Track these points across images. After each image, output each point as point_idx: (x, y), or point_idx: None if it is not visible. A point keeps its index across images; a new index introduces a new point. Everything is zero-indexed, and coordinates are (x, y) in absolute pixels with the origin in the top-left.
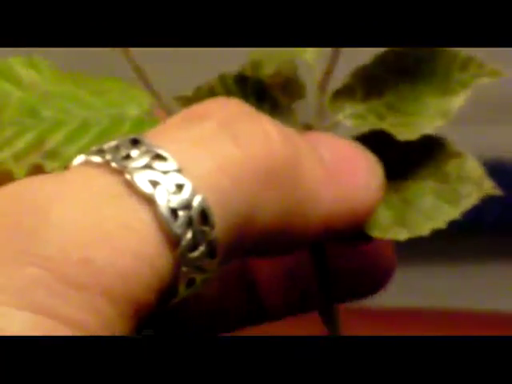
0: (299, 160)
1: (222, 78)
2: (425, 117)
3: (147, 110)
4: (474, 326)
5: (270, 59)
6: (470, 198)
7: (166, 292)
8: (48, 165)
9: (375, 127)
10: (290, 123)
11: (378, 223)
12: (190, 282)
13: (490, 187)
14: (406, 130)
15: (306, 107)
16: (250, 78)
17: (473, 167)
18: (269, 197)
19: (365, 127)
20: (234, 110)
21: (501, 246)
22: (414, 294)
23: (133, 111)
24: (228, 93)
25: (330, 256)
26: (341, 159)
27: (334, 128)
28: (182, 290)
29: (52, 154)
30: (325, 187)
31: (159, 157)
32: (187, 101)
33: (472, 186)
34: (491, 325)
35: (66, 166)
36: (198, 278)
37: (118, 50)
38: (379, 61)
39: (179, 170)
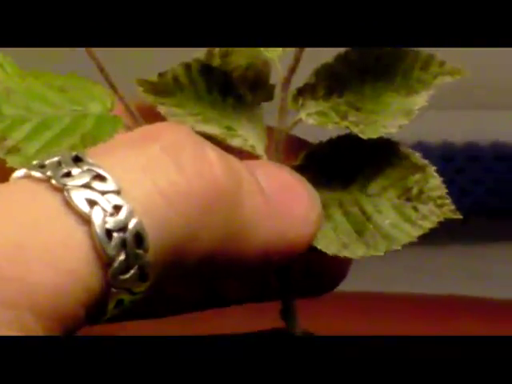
0: (240, 191)
1: (187, 67)
2: (387, 116)
3: (109, 107)
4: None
5: (239, 50)
6: (428, 219)
7: (95, 310)
8: (10, 161)
9: (337, 125)
10: (254, 121)
11: (336, 238)
12: (119, 303)
13: (449, 210)
14: (369, 129)
15: (269, 105)
16: (215, 70)
17: (435, 185)
18: (207, 225)
19: (326, 125)
20: (180, 136)
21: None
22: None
23: (95, 109)
24: (192, 82)
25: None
26: (281, 190)
27: (296, 127)
28: (111, 309)
29: (14, 151)
30: (263, 219)
31: (99, 177)
32: (151, 85)
33: (432, 207)
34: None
35: (27, 163)
36: (127, 298)
37: (80, 49)
38: (341, 59)
39: (118, 192)
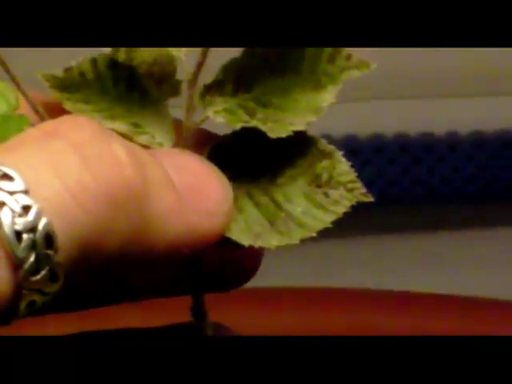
0: (149, 187)
1: (94, 61)
2: (295, 113)
3: (14, 106)
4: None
5: None
6: (340, 204)
7: (6, 311)
8: None
9: (245, 125)
10: (161, 117)
11: (248, 229)
12: (31, 303)
13: (360, 193)
14: (277, 127)
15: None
16: (122, 64)
17: (344, 170)
18: (116, 221)
19: (235, 124)
20: (86, 130)
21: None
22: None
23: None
24: (98, 77)
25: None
26: (191, 183)
27: (203, 124)
28: (22, 310)
29: None
30: (173, 214)
31: (7, 176)
32: (57, 81)
33: (343, 192)
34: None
35: None
36: (39, 299)
37: None
38: (249, 54)
39: (26, 192)
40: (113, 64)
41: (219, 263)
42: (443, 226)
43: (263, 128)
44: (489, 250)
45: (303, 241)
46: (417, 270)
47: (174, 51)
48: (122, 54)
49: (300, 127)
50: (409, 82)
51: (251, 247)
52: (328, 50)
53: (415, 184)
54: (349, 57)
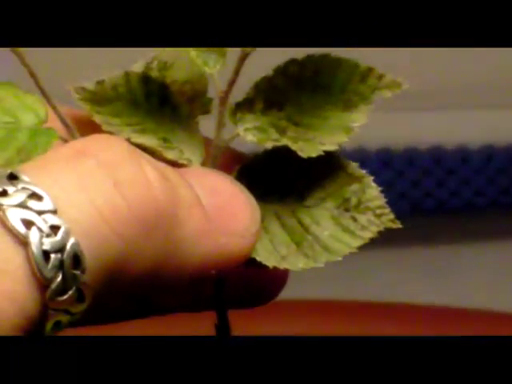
0: (179, 209)
1: (127, 76)
2: (326, 132)
3: (43, 119)
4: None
5: (177, 62)
6: (368, 229)
7: (32, 330)
8: None
9: (276, 143)
10: (191, 134)
11: (274, 250)
12: (56, 324)
13: (389, 219)
14: (307, 146)
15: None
16: (154, 80)
17: (374, 195)
18: (145, 245)
19: (265, 143)
20: (117, 150)
21: None
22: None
23: (29, 120)
24: (131, 92)
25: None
26: (220, 203)
27: (233, 141)
28: (48, 329)
29: None
30: (202, 236)
31: (36, 195)
32: (88, 94)
33: (371, 217)
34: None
35: None
36: (65, 319)
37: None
38: (280, 72)
39: (55, 212)
40: (145, 79)
41: (245, 282)
42: (453, 238)
43: (293, 147)
44: (499, 262)
45: None
46: (427, 281)
47: (207, 68)
48: (154, 71)
49: (331, 147)
50: (419, 94)
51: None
52: (361, 70)
53: (425, 197)
54: (381, 76)
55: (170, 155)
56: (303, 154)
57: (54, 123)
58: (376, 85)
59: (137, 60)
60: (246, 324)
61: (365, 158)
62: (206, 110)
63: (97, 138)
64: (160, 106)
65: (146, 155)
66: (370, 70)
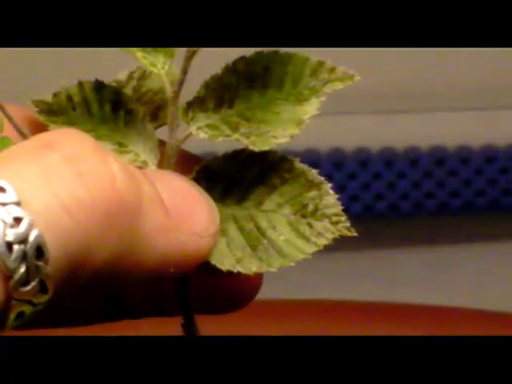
0: (141, 204)
1: (80, 85)
2: (277, 125)
3: None
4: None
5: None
6: (323, 236)
7: None
8: None
9: (227, 138)
10: (146, 137)
11: (230, 253)
12: (19, 315)
13: (345, 227)
14: (260, 140)
15: None
16: (107, 86)
17: (331, 203)
18: (107, 237)
19: (217, 138)
20: (81, 144)
21: None
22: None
23: None
24: (85, 100)
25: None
26: (181, 202)
27: (187, 140)
28: (11, 320)
29: None
30: (163, 232)
31: None
32: (46, 106)
33: (327, 224)
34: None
35: None
36: (28, 310)
37: None
38: (230, 70)
39: (18, 203)
40: (98, 87)
41: (215, 287)
42: (454, 239)
43: (246, 141)
44: (500, 263)
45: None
46: (427, 282)
47: (155, 69)
48: (134, 81)
49: (283, 140)
50: (420, 95)
51: (249, 275)
52: (311, 64)
53: (426, 197)
54: (332, 69)
55: (126, 158)
56: (255, 148)
57: (10, 132)
58: (327, 78)
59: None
60: (246, 324)
61: (366, 159)
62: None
63: (62, 132)
64: (114, 112)
65: (109, 150)
66: (320, 63)
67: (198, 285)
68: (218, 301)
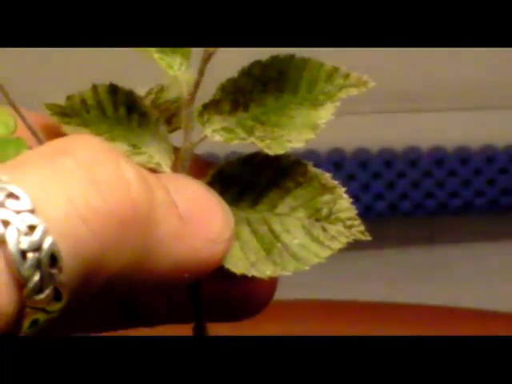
0: (155, 211)
1: (94, 88)
2: (292, 129)
3: (12, 129)
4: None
5: (173, 84)
6: (337, 240)
7: (8, 330)
8: None
9: (243, 142)
10: (160, 139)
11: (244, 257)
12: (33, 322)
13: (359, 231)
14: (274, 144)
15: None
16: (121, 90)
17: (345, 207)
18: (121, 244)
19: (232, 142)
20: (95, 149)
21: None
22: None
23: None
24: (99, 103)
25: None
26: (194, 209)
27: (202, 143)
28: (25, 328)
29: None
30: (177, 239)
31: (13, 195)
32: (59, 109)
33: (341, 228)
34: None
35: None
36: (42, 318)
37: None
38: (245, 73)
39: (32, 211)
40: (113, 89)
41: (226, 294)
42: (454, 239)
43: (261, 145)
44: (500, 262)
45: None
46: (427, 282)
47: (171, 71)
48: (153, 94)
49: (298, 144)
50: (419, 95)
51: (262, 281)
52: (326, 69)
53: (426, 197)
54: (347, 75)
55: (139, 160)
56: (270, 152)
57: (24, 133)
58: (342, 83)
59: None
60: (246, 324)
61: (366, 159)
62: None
63: (75, 138)
64: (128, 114)
65: (123, 155)
66: (335, 69)
67: (212, 292)
68: (232, 308)
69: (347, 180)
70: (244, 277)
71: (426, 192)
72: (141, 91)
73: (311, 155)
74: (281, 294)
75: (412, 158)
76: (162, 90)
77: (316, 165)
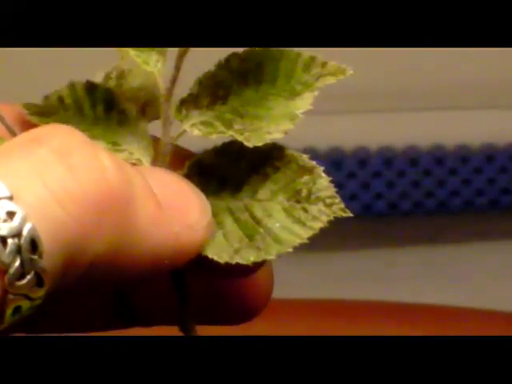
0: (132, 195)
1: (72, 87)
2: (271, 121)
3: None
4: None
5: (134, 70)
6: (319, 220)
7: None
8: None
9: (222, 135)
10: (139, 135)
11: (228, 245)
12: (16, 310)
13: (339, 208)
14: (254, 136)
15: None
16: (99, 87)
17: (324, 186)
18: (100, 227)
19: (211, 136)
20: (70, 138)
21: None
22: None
23: None
24: (77, 101)
25: (196, 282)
26: (172, 196)
27: (181, 138)
28: (8, 316)
29: None
30: (155, 224)
31: None
32: (37, 109)
33: (322, 207)
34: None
35: None
36: (25, 305)
37: None
38: (223, 66)
39: (10, 197)
40: (90, 88)
41: (222, 297)
42: (454, 238)
43: (240, 138)
44: (500, 262)
45: (310, 252)
46: (427, 281)
47: (148, 67)
48: (113, 80)
49: (277, 135)
50: (419, 94)
51: (258, 283)
52: (303, 59)
53: (426, 196)
54: (324, 64)
55: (120, 157)
56: (249, 144)
57: (2, 132)
58: (320, 72)
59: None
60: (246, 324)
61: (366, 158)
62: (157, 116)
63: (51, 127)
64: (106, 112)
65: (99, 144)
66: (312, 58)
67: (208, 295)
68: (228, 311)
69: (347, 179)
70: (240, 279)
71: (426, 191)
72: (98, 77)
73: (310, 153)
74: (281, 294)
75: (412, 157)
76: (122, 75)
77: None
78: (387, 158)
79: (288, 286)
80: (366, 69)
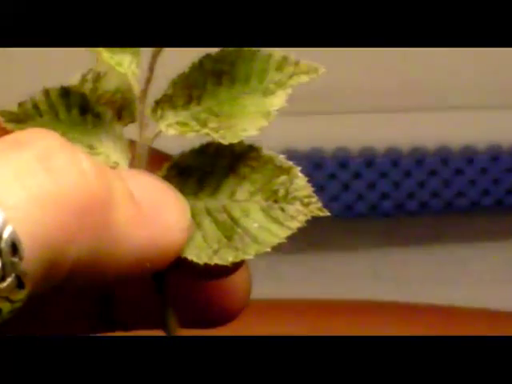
0: (112, 198)
1: (46, 93)
2: (245, 118)
3: None
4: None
5: (110, 72)
6: (296, 219)
7: None
8: None
9: (197, 134)
10: (115, 138)
11: (207, 246)
12: None
13: (316, 208)
14: (229, 134)
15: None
16: (73, 91)
17: (301, 185)
18: (81, 233)
19: (187, 134)
20: (51, 142)
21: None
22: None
23: None
24: (52, 107)
25: (176, 285)
26: (151, 198)
27: (157, 138)
28: None
29: None
30: (135, 226)
31: None
32: (12, 116)
33: (299, 207)
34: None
35: None
36: (6, 308)
37: None
38: (197, 67)
39: None
40: (64, 92)
41: (202, 303)
42: (460, 238)
43: (215, 136)
44: (505, 262)
45: (309, 252)
46: (433, 281)
47: (121, 69)
48: (89, 83)
49: (252, 132)
50: (424, 94)
51: (236, 286)
52: (276, 58)
53: (432, 197)
54: (297, 63)
55: (97, 160)
56: (224, 142)
57: None
58: (293, 71)
59: None
60: (246, 324)
61: (372, 159)
62: (132, 120)
63: (31, 131)
64: (81, 116)
65: (78, 147)
66: (284, 58)
67: (186, 298)
68: (206, 314)
69: (352, 179)
70: (218, 281)
71: (432, 191)
72: (74, 79)
73: (316, 154)
74: (283, 293)
75: (418, 158)
76: (98, 78)
77: (320, 164)
78: (393, 159)
79: (288, 285)
80: (371, 69)
